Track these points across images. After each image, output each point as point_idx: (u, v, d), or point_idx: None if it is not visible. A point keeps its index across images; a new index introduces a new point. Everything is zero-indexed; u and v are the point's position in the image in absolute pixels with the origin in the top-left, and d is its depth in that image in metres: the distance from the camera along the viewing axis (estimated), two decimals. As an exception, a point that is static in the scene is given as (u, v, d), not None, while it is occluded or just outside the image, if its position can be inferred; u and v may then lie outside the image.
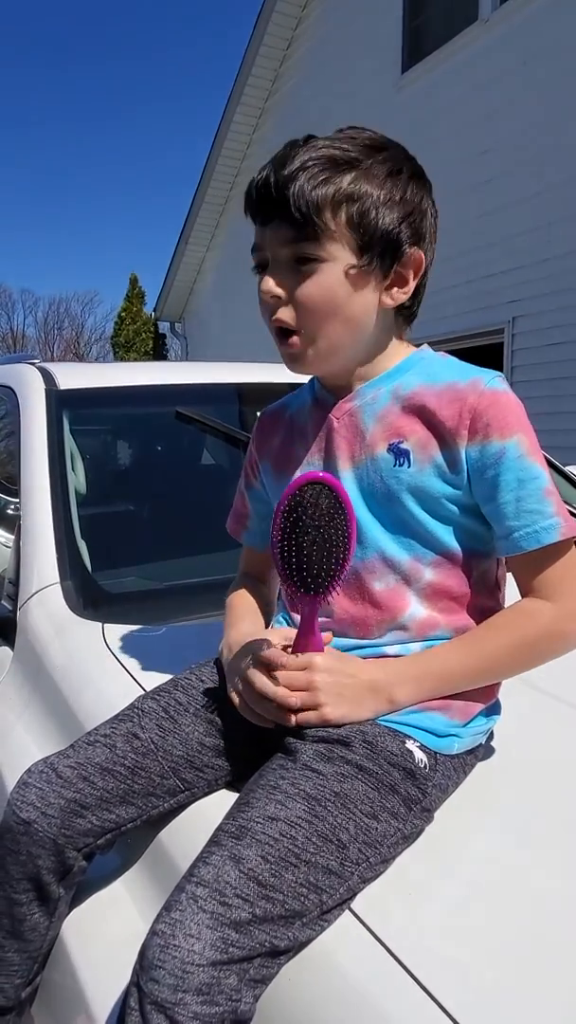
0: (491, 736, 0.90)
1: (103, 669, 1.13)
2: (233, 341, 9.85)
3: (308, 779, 0.71)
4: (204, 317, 11.10)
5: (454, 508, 0.83)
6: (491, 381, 0.82)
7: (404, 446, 0.82)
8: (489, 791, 0.84)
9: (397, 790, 0.73)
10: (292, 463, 0.92)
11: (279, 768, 0.74)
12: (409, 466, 0.82)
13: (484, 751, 0.88)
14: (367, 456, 0.85)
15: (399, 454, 0.82)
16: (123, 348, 14.82)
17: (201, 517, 1.82)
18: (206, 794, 0.85)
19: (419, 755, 0.77)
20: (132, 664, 1.12)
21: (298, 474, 0.88)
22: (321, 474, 0.75)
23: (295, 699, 0.76)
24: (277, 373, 2.22)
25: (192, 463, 2.08)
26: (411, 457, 0.82)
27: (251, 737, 0.84)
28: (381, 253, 0.79)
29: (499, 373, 0.83)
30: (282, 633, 0.86)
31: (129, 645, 1.19)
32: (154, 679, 1.06)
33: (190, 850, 0.77)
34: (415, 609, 0.83)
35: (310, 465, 0.89)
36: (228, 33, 49.12)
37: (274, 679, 0.78)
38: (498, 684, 0.87)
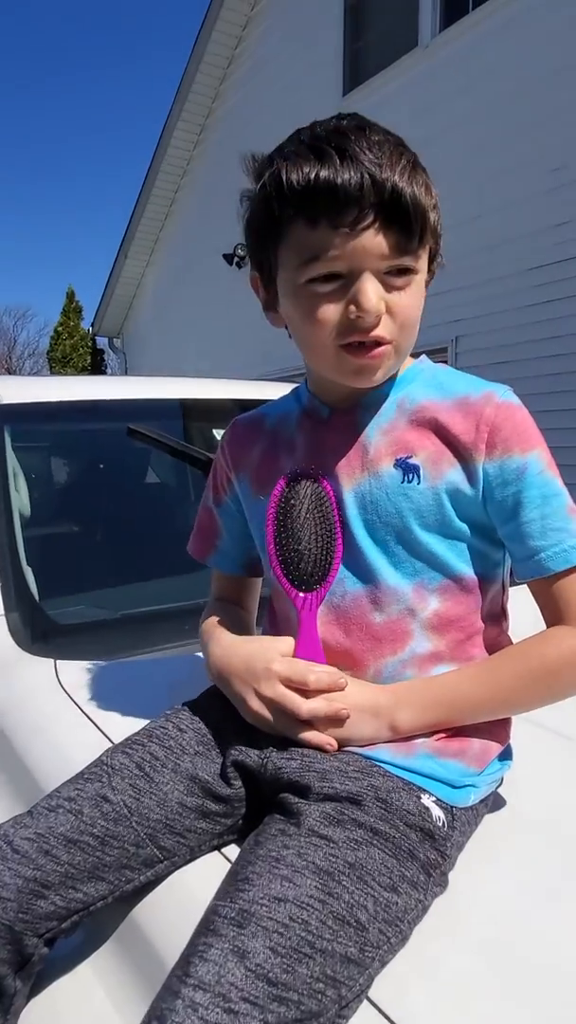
0: (500, 781, 0.82)
1: (58, 713, 1.01)
2: (172, 357, 9.73)
3: (317, 848, 0.62)
4: (143, 333, 10.94)
5: (465, 528, 0.76)
6: (505, 394, 0.77)
7: (413, 461, 0.76)
8: (503, 842, 0.76)
9: (416, 855, 0.65)
10: (275, 480, 0.83)
11: (280, 834, 0.65)
12: (419, 482, 0.75)
13: (493, 797, 0.81)
14: (370, 473, 0.77)
15: (408, 470, 0.76)
16: (60, 363, 14.49)
17: (159, 538, 1.71)
18: (188, 862, 0.74)
19: (436, 812, 0.69)
20: (92, 707, 1.01)
21: None
22: (311, 468, 0.78)
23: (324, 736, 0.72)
24: (232, 388, 2.14)
25: (147, 481, 1.97)
26: (421, 473, 0.75)
27: (239, 794, 0.74)
28: (432, 265, 0.77)
29: (508, 386, 0.78)
30: (288, 642, 0.78)
31: (87, 684, 1.08)
32: (119, 724, 0.95)
33: (169, 929, 0.68)
34: (418, 642, 0.76)
35: None
36: (169, 49, 49.33)
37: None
38: (510, 725, 0.80)
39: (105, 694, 1.04)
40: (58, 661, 1.14)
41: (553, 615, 0.75)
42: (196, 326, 8.67)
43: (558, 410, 4.69)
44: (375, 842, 0.64)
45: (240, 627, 0.88)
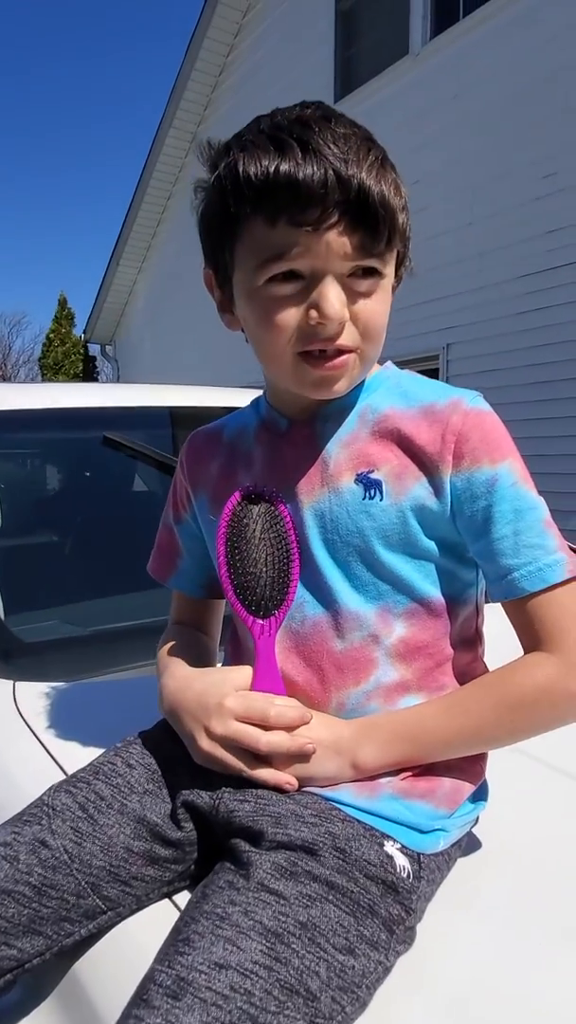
0: (475, 820, 0.76)
1: (12, 742, 0.95)
2: (165, 364, 9.69)
3: (266, 905, 0.56)
4: (135, 340, 10.90)
5: (433, 547, 0.70)
6: (473, 400, 0.71)
7: (375, 476, 0.70)
8: (474, 887, 0.71)
9: (377, 911, 0.59)
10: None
11: (228, 887, 0.59)
12: (381, 499, 0.70)
13: (467, 838, 0.75)
14: (329, 489, 0.72)
15: (369, 485, 0.70)
16: (51, 370, 14.43)
17: (134, 550, 1.65)
18: (134, 912, 0.68)
19: (401, 861, 0.63)
20: (50, 734, 0.95)
21: None
22: (263, 487, 0.72)
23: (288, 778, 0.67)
24: (215, 396, 2.09)
25: (122, 491, 1.91)
26: (383, 489, 0.70)
27: (190, 838, 0.68)
28: (400, 270, 0.72)
29: (478, 392, 0.72)
30: (245, 672, 0.72)
31: (46, 709, 1.02)
32: (77, 754, 0.89)
33: (113, 987, 0.62)
34: (383, 671, 0.70)
35: None
36: (162, 56, 49.51)
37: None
38: (485, 761, 0.74)
39: (66, 720, 0.98)
40: (17, 683, 1.08)
41: (530, 639, 0.69)
42: (189, 333, 8.63)
43: (550, 418, 4.66)
44: (331, 898, 0.58)
45: (200, 654, 0.83)
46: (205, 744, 0.68)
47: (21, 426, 1.74)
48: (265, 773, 0.66)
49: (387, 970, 0.59)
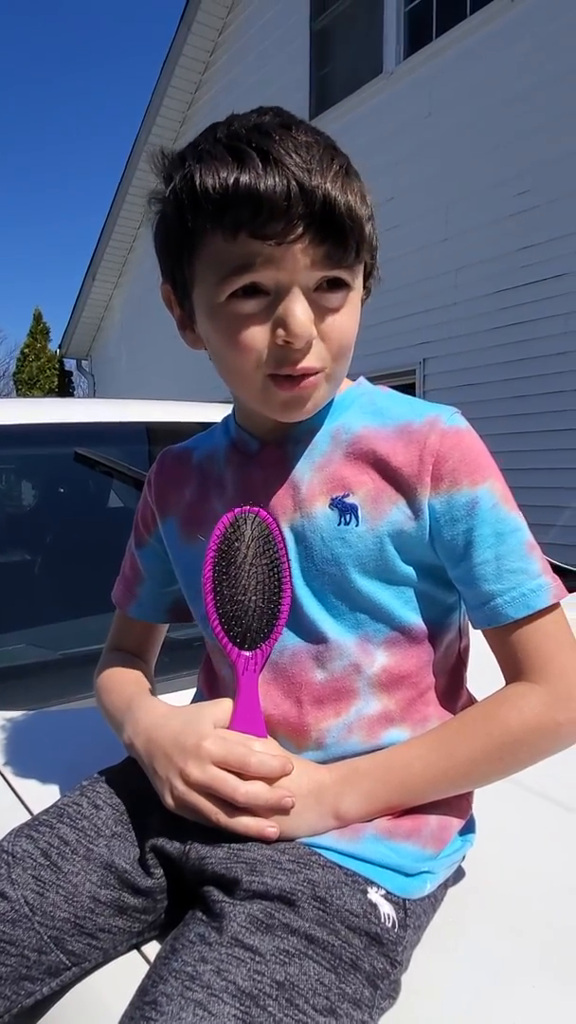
0: (462, 858, 0.72)
1: (-27, 776, 0.90)
2: (141, 380, 9.64)
3: (240, 963, 0.52)
4: (112, 355, 10.85)
5: (411, 573, 0.67)
6: (451, 418, 0.67)
7: (351, 500, 0.66)
8: (461, 929, 0.67)
9: (360, 966, 0.55)
10: (207, 524, 0.73)
11: (199, 941, 0.54)
12: (357, 524, 0.66)
13: (454, 876, 0.71)
14: (302, 515, 0.68)
15: (344, 511, 0.66)
16: (26, 385, 14.29)
17: (108, 569, 1.60)
18: (100, 965, 0.63)
19: (385, 909, 0.59)
20: (11, 769, 0.89)
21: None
22: (257, 509, 0.66)
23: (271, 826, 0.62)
24: (191, 412, 2.05)
25: (95, 508, 1.86)
26: (359, 514, 0.66)
27: (161, 885, 0.64)
28: (368, 282, 0.69)
29: (455, 409, 0.69)
30: (225, 707, 0.67)
31: (9, 740, 0.96)
32: (46, 791, 0.84)
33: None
34: (365, 703, 0.66)
35: None
36: (138, 73, 49.81)
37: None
38: (472, 796, 0.70)
39: (30, 752, 0.93)
40: (-20, 712, 1.03)
41: (513, 668, 0.66)
42: (165, 347, 8.59)
43: (525, 432, 4.68)
44: (310, 953, 0.54)
45: (145, 678, 0.80)
46: (180, 789, 0.62)
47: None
48: (247, 821, 0.61)
49: None
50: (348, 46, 6.09)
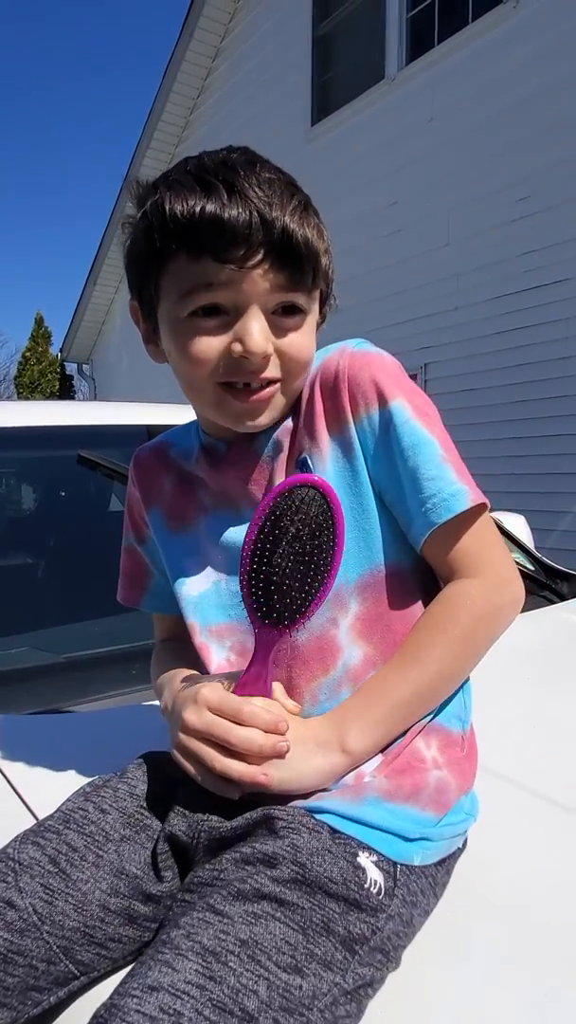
0: (464, 843, 0.72)
1: (-24, 779, 0.89)
2: (142, 384, 9.64)
3: (207, 926, 0.53)
4: (113, 359, 10.86)
5: (361, 513, 0.70)
6: (358, 344, 0.72)
7: (303, 456, 0.71)
8: (462, 923, 0.66)
9: (333, 928, 0.55)
10: (188, 520, 0.79)
11: (180, 910, 0.56)
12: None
13: (452, 865, 0.70)
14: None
15: (303, 467, 0.71)
16: (28, 389, 14.31)
17: (110, 571, 1.59)
18: (108, 974, 0.62)
19: (372, 875, 0.59)
20: (18, 772, 0.88)
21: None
22: (317, 478, 0.63)
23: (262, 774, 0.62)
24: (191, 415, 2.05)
25: (97, 510, 1.85)
26: (309, 465, 0.70)
27: (172, 891, 0.63)
28: (324, 308, 0.74)
29: (365, 339, 0.74)
30: (236, 676, 0.69)
31: (15, 743, 0.96)
32: (51, 796, 0.83)
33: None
34: (349, 654, 0.70)
35: (215, 520, 0.76)
36: (141, 72, 50.00)
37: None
38: (475, 762, 0.72)
39: (35, 755, 0.92)
40: (-18, 715, 1.02)
41: (448, 571, 0.70)
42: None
43: (526, 437, 4.69)
44: (278, 915, 0.54)
45: (186, 662, 0.80)
46: (180, 737, 0.65)
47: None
48: (240, 767, 0.62)
49: (346, 992, 0.54)
50: (350, 52, 6.11)
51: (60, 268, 43.95)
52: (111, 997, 0.50)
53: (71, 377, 14.25)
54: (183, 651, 0.84)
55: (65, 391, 14.53)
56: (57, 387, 14.40)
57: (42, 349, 14.50)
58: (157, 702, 1.07)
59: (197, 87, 7.85)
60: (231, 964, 0.50)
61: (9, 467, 1.88)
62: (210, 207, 0.62)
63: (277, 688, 0.68)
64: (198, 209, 0.62)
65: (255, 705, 0.64)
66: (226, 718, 0.63)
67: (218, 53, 7.52)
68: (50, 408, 2.02)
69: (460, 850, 0.71)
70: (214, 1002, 0.48)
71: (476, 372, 5.02)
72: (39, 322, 14.57)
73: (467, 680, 0.74)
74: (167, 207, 0.64)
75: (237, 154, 0.67)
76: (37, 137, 50.41)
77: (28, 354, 14.55)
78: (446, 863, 0.67)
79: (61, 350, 12.40)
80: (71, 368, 13.20)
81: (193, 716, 0.64)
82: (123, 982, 0.51)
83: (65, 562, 1.66)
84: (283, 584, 0.63)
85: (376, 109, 5.73)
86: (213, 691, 0.65)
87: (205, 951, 0.51)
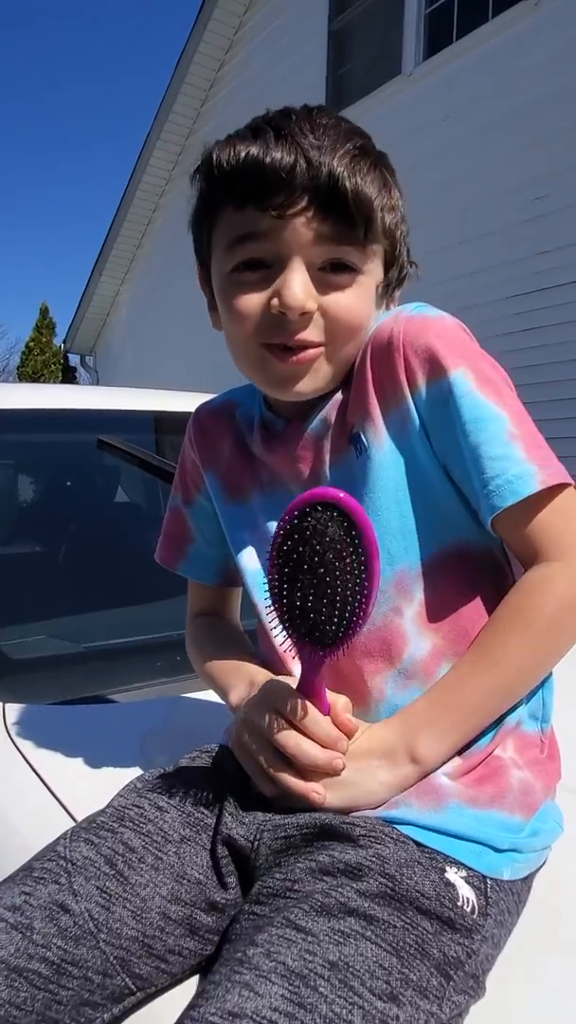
0: (547, 855, 0.67)
1: (3, 770, 0.85)
2: (146, 376, 9.58)
3: (290, 944, 0.47)
4: (117, 351, 10.79)
5: (425, 489, 0.64)
6: (417, 308, 0.66)
7: (356, 431, 0.66)
8: (541, 942, 0.61)
9: (428, 951, 0.50)
10: (244, 492, 0.75)
11: (252, 927, 0.50)
12: (367, 452, 0.64)
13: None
14: (334, 466, 0.68)
15: (357, 443, 0.65)
16: (30, 379, 14.27)
17: (131, 560, 1.55)
18: (165, 990, 0.57)
19: (465, 891, 0.54)
20: (46, 762, 0.84)
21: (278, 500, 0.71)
22: (341, 494, 0.54)
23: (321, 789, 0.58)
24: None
25: (117, 498, 1.81)
26: (363, 441, 0.64)
27: (236, 900, 0.59)
28: (399, 276, 0.69)
29: (425, 303, 0.68)
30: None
31: (42, 733, 0.91)
32: (78, 787, 0.79)
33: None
34: (415, 646, 0.64)
35: (269, 499, 0.72)
36: (151, 69, 49.83)
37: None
38: (559, 765, 0.67)
39: (63, 746, 0.88)
40: (7, 704, 0.98)
41: (528, 553, 0.62)
42: (172, 346, 8.55)
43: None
44: (368, 934, 0.49)
45: (234, 645, 0.77)
46: (243, 737, 0.61)
47: (4, 428, 1.64)
48: (294, 780, 0.58)
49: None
50: (366, 47, 6.06)
51: (66, 262, 43.81)
52: (185, 1021, 0.45)
53: (74, 368, 14.20)
54: (226, 630, 0.80)
55: (68, 382, 14.49)
56: (60, 378, 14.36)
57: (46, 339, 14.45)
58: (187, 695, 1.04)
59: (209, 79, 7.79)
60: (321, 989, 0.45)
61: (25, 452, 1.84)
62: (254, 151, 0.60)
63: (342, 702, 0.62)
64: (243, 155, 0.60)
65: (320, 716, 0.60)
66: (292, 726, 0.59)
67: (232, 45, 7.46)
68: (69, 392, 1.98)
69: (542, 864, 0.66)
70: None
71: (487, 372, 4.98)
72: (43, 312, 14.52)
73: (550, 675, 0.68)
74: (215, 156, 0.62)
75: (304, 106, 0.65)
76: (46, 130, 50.24)
77: (32, 344, 14.49)
78: (528, 879, 0.62)
79: (64, 341, 12.34)
80: (74, 359, 13.15)
81: (256, 716, 0.61)
82: (195, 1005, 0.46)
83: (85, 550, 1.62)
84: (310, 612, 0.55)
85: (392, 105, 5.68)
86: (281, 696, 0.60)
87: (291, 974, 0.46)
